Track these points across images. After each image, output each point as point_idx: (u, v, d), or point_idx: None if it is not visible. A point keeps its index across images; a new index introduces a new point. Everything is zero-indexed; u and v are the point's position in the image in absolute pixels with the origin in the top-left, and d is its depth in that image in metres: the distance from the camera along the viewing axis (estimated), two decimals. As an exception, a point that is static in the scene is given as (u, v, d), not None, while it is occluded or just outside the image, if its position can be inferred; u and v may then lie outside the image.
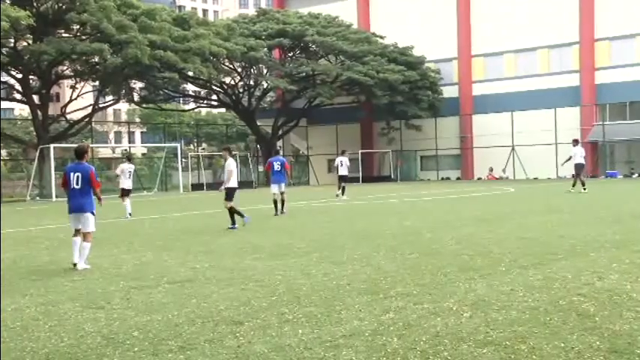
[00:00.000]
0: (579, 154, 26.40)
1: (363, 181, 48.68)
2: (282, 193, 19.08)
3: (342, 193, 27.19)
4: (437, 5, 51.62)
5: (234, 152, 25.95)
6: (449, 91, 50.85)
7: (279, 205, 18.99)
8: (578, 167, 26.25)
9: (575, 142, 27.27)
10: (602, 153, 46.90)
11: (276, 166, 19.48)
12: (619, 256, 8.95)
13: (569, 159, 26.84)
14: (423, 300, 6.53)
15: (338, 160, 28.55)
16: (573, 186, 26.38)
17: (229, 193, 15.52)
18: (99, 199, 10.14)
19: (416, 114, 48.99)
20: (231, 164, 15.77)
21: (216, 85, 49.74)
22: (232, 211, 15.26)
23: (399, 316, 5.88)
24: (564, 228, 12.82)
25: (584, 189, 25.31)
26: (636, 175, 44.19)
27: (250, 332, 5.54)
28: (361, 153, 51.89)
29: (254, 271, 8.81)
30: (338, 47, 47.65)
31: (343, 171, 27.86)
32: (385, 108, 48.90)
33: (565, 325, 5.36)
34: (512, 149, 48.07)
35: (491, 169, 49.42)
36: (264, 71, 49.92)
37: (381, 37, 51.20)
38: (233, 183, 15.69)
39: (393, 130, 51.83)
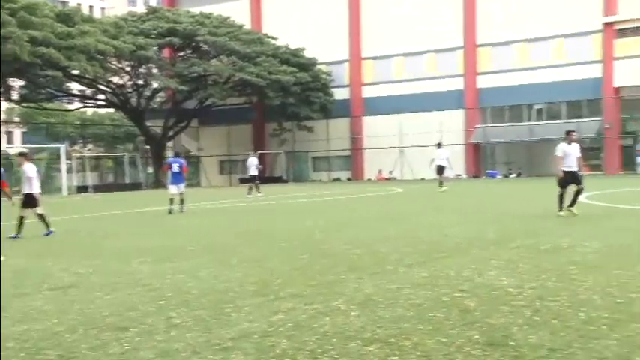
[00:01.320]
0: (442, 157, 27.90)
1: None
2: (180, 194, 19.34)
3: (251, 192, 28.08)
4: (328, 8, 52.30)
5: (123, 153, 25.27)
6: (340, 93, 51.65)
7: (175, 206, 18.95)
8: (440, 169, 27.69)
9: (439, 145, 28.88)
10: (483, 154, 49.12)
11: (175, 168, 19.56)
12: (497, 252, 9.40)
13: (434, 161, 28.25)
14: (312, 300, 6.58)
15: (249, 160, 29.86)
16: (442, 183, 27.68)
17: (28, 201, 14.38)
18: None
19: (308, 115, 49.46)
20: (28, 171, 14.50)
21: (103, 85, 48.13)
22: (42, 219, 14.46)
23: (289, 317, 5.90)
24: (449, 227, 13.31)
25: (442, 189, 26.67)
26: (514, 175, 46.58)
27: (136, 338, 5.39)
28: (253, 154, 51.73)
29: (141, 274, 8.59)
30: (230, 48, 47.32)
31: (253, 171, 29.17)
32: (277, 109, 49.08)
33: (447, 321, 5.57)
34: (401, 151, 49.45)
35: (380, 171, 50.62)
36: (154, 71, 48.81)
37: (274, 39, 51.33)
38: (34, 189, 14.44)
39: (284, 131, 52.06)
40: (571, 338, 4.92)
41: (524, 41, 45.95)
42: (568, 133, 15.12)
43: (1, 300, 7.06)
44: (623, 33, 42.87)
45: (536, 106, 46.73)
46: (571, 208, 14.51)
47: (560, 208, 14.52)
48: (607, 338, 4.88)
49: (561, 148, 14.75)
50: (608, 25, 43.05)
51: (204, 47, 48.83)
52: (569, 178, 14.62)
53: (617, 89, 43.54)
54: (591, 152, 48.35)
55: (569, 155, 14.68)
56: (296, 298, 6.73)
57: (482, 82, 47.80)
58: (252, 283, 7.64)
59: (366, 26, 51.42)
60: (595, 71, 43.75)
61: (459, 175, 47.28)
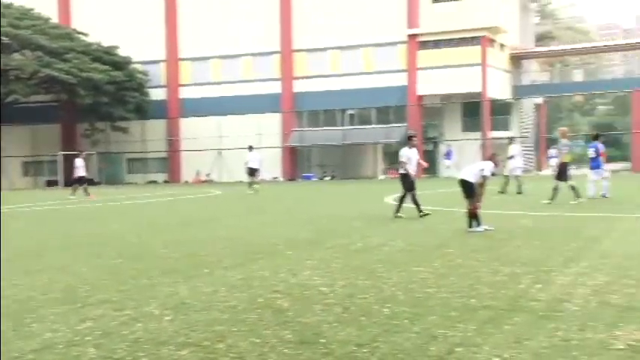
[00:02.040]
0: (254, 159, 28.51)
1: (65, 185, 45.93)
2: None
3: (75, 193, 27.99)
4: (144, 6, 50.86)
5: None
6: (157, 94, 50.47)
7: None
8: (251, 171, 28.28)
9: (250, 148, 29.59)
10: (299, 157, 50.40)
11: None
12: (312, 253, 9.68)
13: (247, 163, 28.81)
14: (124, 306, 6.36)
15: (76, 161, 29.38)
16: (252, 185, 28.16)
17: None
18: None
19: (122, 116, 47.79)
20: None
21: None
22: None
23: (98, 325, 5.65)
24: (266, 229, 13.49)
25: (253, 191, 27.30)
26: (329, 177, 48.28)
27: None
28: (63, 155, 48.93)
29: None
30: (35, 41, 44.44)
31: (81, 172, 29.04)
32: (89, 108, 46.87)
33: (261, 322, 5.64)
34: (219, 153, 49.30)
35: (198, 173, 50.12)
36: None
37: (84, 35, 48.94)
38: None
39: (97, 131, 49.83)
40: (376, 333, 5.19)
41: (338, 48, 47.82)
42: (410, 137, 15.67)
43: None
44: (425, 45, 46.04)
45: (349, 112, 48.82)
46: (421, 212, 14.66)
47: (420, 210, 14.69)
48: (408, 331, 5.21)
49: (405, 153, 15.09)
50: (412, 36, 46.01)
51: (5, 40, 45.34)
52: (413, 181, 14.99)
53: (420, 97, 46.67)
54: (398, 156, 51.45)
55: (411, 159, 15.14)
56: (106, 304, 6.47)
57: (299, 86, 49.03)
58: (58, 291, 7.22)
59: (184, 27, 50.71)
60: (401, 80, 46.55)
61: (276, 178, 48.14)
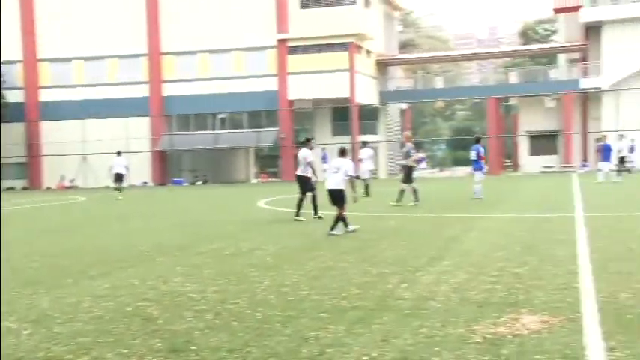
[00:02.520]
0: (120, 165, 27.87)
1: None
2: None
3: None
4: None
5: None
6: (14, 96, 47.66)
7: None
8: (118, 176, 27.85)
9: (119, 152, 29.01)
10: (169, 162, 49.37)
11: None
12: (183, 259, 9.52)
13: (112, 168, 28.23)
14: (-22, 322, 5.95)
15: None
16: (118, 191, 27.40)
17: None
18: None
19: (-26, 118, 44.72)
20: None
21: None
22: None
23: (-52, 344, 5.25)
24: (134, 235, 13.10)
25: (122, 197, 26.74)
26: (200, 182, 47.64)
27: None
28: None
29: None
30: None
31: None
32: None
33: (129, 331, 5.47)
34: (84, 158, 47.34)
35: (62, 178, 47.85)
36: None
37: None
38: None
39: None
40: (248, 337, 5.18)
41: (207, 52, 47.30)
42: (308, 140, 15.83)
43: None
44: (294, 50, 46.56)
45: (220, 116, 48.42)
46: (298, 216, 14.74)
47: (316, 212, 14.81)
48: (280, 334, 5.25)
49: (305, 155, 15.22)
50: (281, 41, 46.39)
51: None
52: (313, 184, 15.11)
53: (291, 102, 47.14)
54: (270, 160, 51.72)
55: (312, 162, 15.30)
56: (-42, 321, 6.02)
57: (168, 89, 48.03)
58: None
59: (42, 26, 48.25)
60: (272, 84, 46.78)
61: (145, 183, 46.86)
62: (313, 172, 15.33)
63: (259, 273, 8.08)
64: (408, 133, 21.61)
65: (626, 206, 15.90)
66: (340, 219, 11.85)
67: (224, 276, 7.93)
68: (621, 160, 30.20)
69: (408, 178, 18.48)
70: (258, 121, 47.59)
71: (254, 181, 48.41)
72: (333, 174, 12.08)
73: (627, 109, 43.18)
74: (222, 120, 48.69)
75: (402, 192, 18.29)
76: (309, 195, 15.02)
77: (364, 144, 26.39)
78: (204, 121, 48.52)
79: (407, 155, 18.84)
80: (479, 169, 20.20)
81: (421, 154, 36.90)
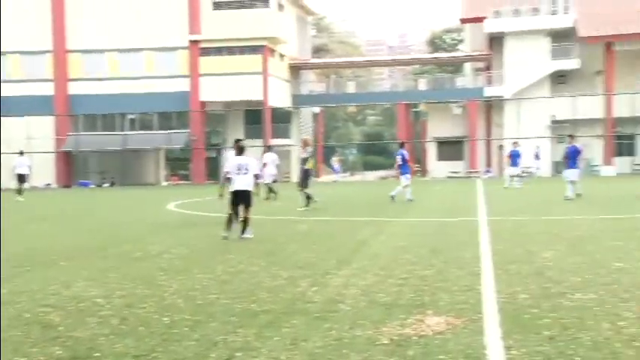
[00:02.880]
0: (22, 165, 27.14)
1: None
2: None
3: None
4: None
5: None
6: None
7: None
8: (21, 177, 26.90)
9: (21, 152, 28.10)
10: (75, 163, 47.77)
11: None
12: (88, 263, 9.23)
13: (15, 168, 27.35)
14: None
15: None
16: (19, 193, 26.38)
17: None
18: None
19: None
20: None
21: None
22: None
23: None
24: (36, 238, 12.60)
25: (23, 199, 25.81)
26: (107, 184, 46.32)
27: None
28: None
29: None
30: None
31: None
32: None
33: (28, 339, 5.26)
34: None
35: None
36: None
37: None
38: None
39: None
40: (155, 343, 5.08)
41: (117, 51, 46.11)
42: (237, 141, 15.52)
43: None
44: (207, 51, 46.08)
45: (130, 116, 47.26)
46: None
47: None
48: (188, 339, 5.18)
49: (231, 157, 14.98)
50: (193, 42, 45.80)
51: None
52: None
53: (203, 103, 46.61)
54: (181, 162, 50.91)
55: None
56: None
57: (74, 88, 46.47)
58: None
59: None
60: (184, 85, 46.10)
61: (49, 185, 45.15)
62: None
63: (168, 277, 7.94)
64: (305, 138, 21.45)
65: (526, 211, 16.60)
66: (246, 221, 11.73)
67: (131, 280, 7.74)
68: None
69: (303, 182, 18.41)
70: (169, 123, 46.76)
71: (164, 183, 47.54)
72: (243, 175, 11.75)
73: (527, 117, 45.12)
74: (132, 121, 47.56)
75: (307, 196, 18.37)
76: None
77: (268, 148, 26.49)
78: (113, 121, 47.23)
79: (304, 161, 18.77)
80: (405, 172, 20.70)
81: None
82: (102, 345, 5.05)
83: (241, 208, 11.71)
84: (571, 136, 22.04)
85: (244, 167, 11.75)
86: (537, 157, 43.15)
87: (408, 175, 20.73)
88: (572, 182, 19.98)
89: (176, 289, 7.21)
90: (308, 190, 18.37)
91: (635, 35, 43.55)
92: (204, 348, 4.93)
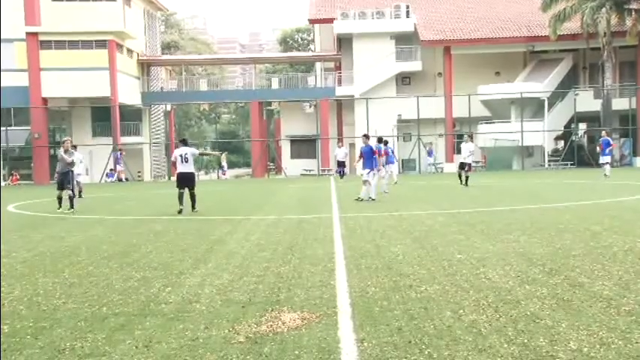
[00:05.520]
0: None
1: None
2: None
3: None
4: None
5: None
6: None
7: None
8: None
9: None
10: None
11: None
12: None
13: None
14: None
15: None
16: None
17: None
18: None
19: None
20: None
21: None
22: None
23: None
24: None
25: None
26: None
27: None
28: None
29: None
30: None
31: None
32: None
33: None
34: None
35: None
36: None
37: None
38: None
39: None
40: (-6, 354, 4.74)
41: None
42: (183, 140, 16.92)
43: None
44: (47, 45, 43.63)
45: (-37, 112, 43.77)
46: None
47: (194, 207, 16.23)
48: (31, 347, 4.88)
49: (193, 152, 16.54)
50: (31, 35, 43.20)
51: None
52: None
53: (45, 99, 44.12)
54: (22, 161, 47.84)
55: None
56: None
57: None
58: None
59: None
60: (23, 80, 43.38)
61: None
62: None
63: (8, 283, 7.45)
64: (66, 139, 19.50)
65: (376, 207, 17.20)
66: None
67: (-34, 289, 7.17)
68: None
69: (61, 184, 17.55)
70: (7, 120, 43.81)
71: (3, 183, 44.48)
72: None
73: (376, 116, 46.76)
74: (-35, 117, 44.11)
75: (70, 198, 17.56)
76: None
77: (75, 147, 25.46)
78: (-58, 117, 43.58)
79: (66, 161, 17.59)
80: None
81: (344, 149, 37.53)
82: None
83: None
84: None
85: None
86: (430, 154, 46.06)
87: (374, 171, 19.40)
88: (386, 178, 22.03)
89: (17, 295, 6.78)
90: (70, 192, 17.59)
91: (470, 41, 46.43)
92: (49, 356, 4.67)
